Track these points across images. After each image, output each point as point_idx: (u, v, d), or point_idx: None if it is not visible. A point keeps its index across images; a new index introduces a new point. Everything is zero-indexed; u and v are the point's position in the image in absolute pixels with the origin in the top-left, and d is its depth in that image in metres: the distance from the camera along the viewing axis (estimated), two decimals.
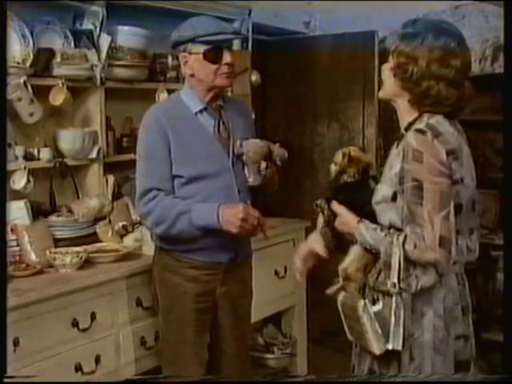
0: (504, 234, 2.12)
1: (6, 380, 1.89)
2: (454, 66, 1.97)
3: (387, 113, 4.09)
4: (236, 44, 3.68)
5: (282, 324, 3.89)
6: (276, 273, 3.57)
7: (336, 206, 2.14)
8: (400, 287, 1.94)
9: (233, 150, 2.62)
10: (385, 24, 3.94)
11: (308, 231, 3.66)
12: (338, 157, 2.22)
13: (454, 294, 2.03)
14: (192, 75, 2.59)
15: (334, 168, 2.24)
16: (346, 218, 2.10)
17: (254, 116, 3.17)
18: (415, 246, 1.92)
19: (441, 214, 1.90)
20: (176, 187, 2.58)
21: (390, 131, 4.33)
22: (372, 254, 2.06)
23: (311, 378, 2.42)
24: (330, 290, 2.15)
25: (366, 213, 2.07)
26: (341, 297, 2.07)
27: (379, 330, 1.95)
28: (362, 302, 1.98)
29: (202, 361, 2.67)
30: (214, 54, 2.54)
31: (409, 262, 1.95)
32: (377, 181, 2.16)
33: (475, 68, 4.00)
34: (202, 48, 2.53)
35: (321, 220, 2.22)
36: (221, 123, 2.64)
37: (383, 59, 2.11)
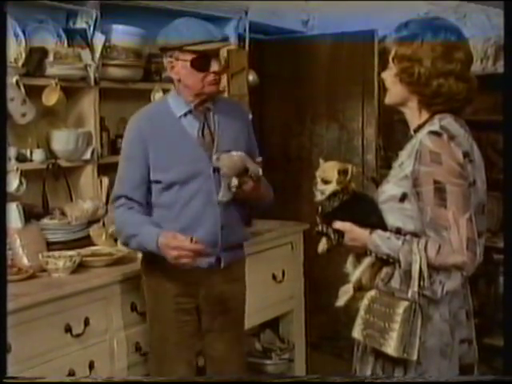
0: (504, 237, 2.10)
1: (6, 381, 1.86)
2: (459, 59, 1.96)
3: (387, 113, 4.05)
4: (232, 43, 3.65)
5: (280, 329, 3.85)
6: (274, 277, 3.52)
7: (340, 225, 2.06)
8: (419, 294, 1.91)
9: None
10: (384, 23, 3.91)
11: (306, 234, 3.63)
12: (331, 174, 2.08)
13: (459, 298, 2.02)
14: (179, 80, 2.56)
15: (327, 187, 2.08)
16: (356, 233, 2.04)
17: (250, 117, 3.09)
18: (438, 252, 1.90)
19: (465, 216, 1.89)
20: (156, 193, 2.57)
21: (390, 132, 4.29)
22: (381, 259, 2.02)
23: (311, 379, 2.37)
24: (341, 302, 2.10)
25: (373, 222, 2.01)
26: (373, 292, 2.01)
27: (407, 336, 1.91)
28: (406, 303, 1.92)
29: (188, 363, 2.66)
30: (201, 63, 2.49)
31: (431, 269, 1.92)
32: (377, 182, 2.11)
33: (477, 68, 3.96)
34: (188, 56, 2.49)
35: (324, 242, 2.13)
36: (205, 126, 2.59)
37: (383, 59, 2.07)
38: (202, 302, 2.64)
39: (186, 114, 2.58)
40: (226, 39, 2.55)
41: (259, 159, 2.59)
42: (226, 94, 3.59)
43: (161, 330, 2.65)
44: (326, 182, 2.09)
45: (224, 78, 2.80)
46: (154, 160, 2.55)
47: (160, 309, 2.64)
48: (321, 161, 2.16)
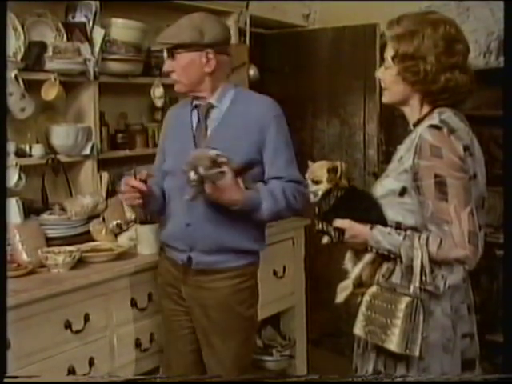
0: (504, 232, 2.11)
1: (6, 380, 1.86)
2: (460, 52, 1.97)
3: (388, 108, 4.02)
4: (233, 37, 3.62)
5: (281, 325, 3.85)
6: (274, 273, 3.51)
7: (340, 223, 2.05)
8: (421, 289, 1.91)
9: None
10: (386, 16, 3.88)
11: (307, 230, 3.61)
12: (321, 173, 2.08)
13: (460, 292, 2.01)
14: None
15: (319, 187, 2.09)
16: (356, 230, 2.03)
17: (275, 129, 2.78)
18: (439, 246, 1.89)
19: (466, 210, 1.89)
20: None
21: (391, 127, 4.27)
22: (382, 256, 2.01)
23: (312, 378, 2.37)
24: (340, 298, 2.09)
25: (373, 218, 2.00)
26: (374, 288, 2.00)
27: (409, 332, 1.90)
28: (408, 299, 1.92)
29: (183, 354, 2.66)
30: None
31: (433, 263, 1.91)
32: (377, 177, 2.10)
33: (480, 62, 3.94)
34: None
35: (325, 240, 2.11)
36: (202, 122, 2.54)
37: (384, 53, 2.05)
38: (188, 300, 2.59)
39: (193, 108, 2.58)
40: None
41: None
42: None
43: (162, 318, 2.74)
44: (316, 182, 2.10)
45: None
46: (164, 148, 2.68)
47: (159, 296, 2.74)
48: (309, 162, 2.15)
